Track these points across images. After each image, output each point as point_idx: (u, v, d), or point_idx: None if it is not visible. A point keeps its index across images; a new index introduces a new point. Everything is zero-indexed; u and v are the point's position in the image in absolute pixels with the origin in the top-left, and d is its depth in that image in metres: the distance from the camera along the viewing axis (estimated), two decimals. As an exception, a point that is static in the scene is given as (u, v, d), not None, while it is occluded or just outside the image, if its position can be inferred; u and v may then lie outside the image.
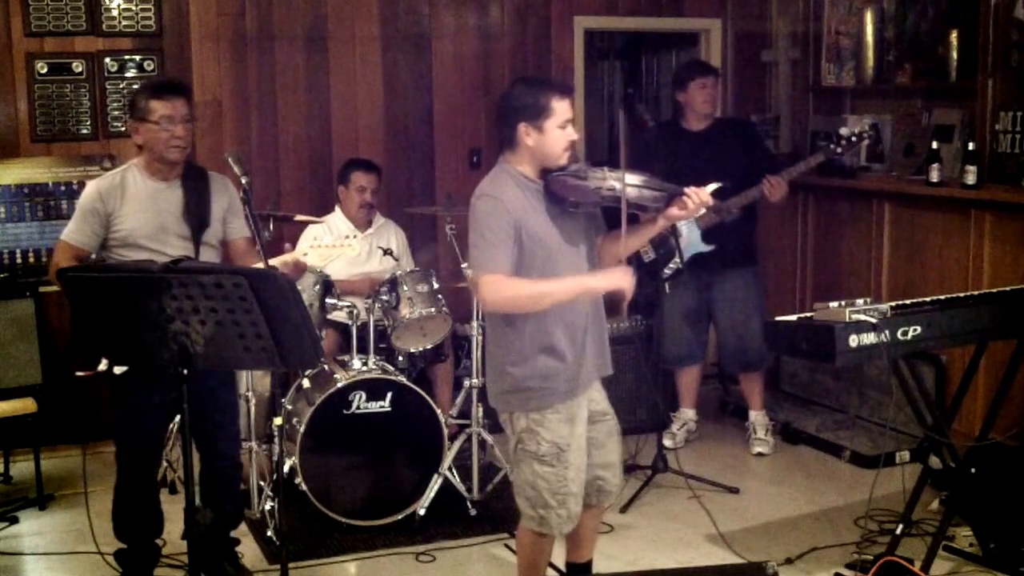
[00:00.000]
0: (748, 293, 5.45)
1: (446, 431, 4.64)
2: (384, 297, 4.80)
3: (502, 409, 3.49)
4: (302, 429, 4.44)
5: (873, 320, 3.51)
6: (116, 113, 5.59)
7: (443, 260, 6.00)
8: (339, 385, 4.50)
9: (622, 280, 3.28)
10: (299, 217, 4.96)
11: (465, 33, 6.26)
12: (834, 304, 3.62)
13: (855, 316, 3.52)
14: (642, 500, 4.87)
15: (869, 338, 3.51)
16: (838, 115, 6.21)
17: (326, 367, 4.77)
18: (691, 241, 5.19)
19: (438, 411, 4.64)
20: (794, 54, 6.52)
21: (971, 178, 5.06)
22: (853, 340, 3.50)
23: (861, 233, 5.92)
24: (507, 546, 4.36)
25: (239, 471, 4.20)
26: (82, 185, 5.52)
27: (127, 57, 5.60)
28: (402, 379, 4.63)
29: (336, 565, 4.30)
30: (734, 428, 5.82)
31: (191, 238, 3.80)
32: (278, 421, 4.17)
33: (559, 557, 3.87)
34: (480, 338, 4.69)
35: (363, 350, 4.75)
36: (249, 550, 4.32)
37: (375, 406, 4.56)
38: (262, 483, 4.56)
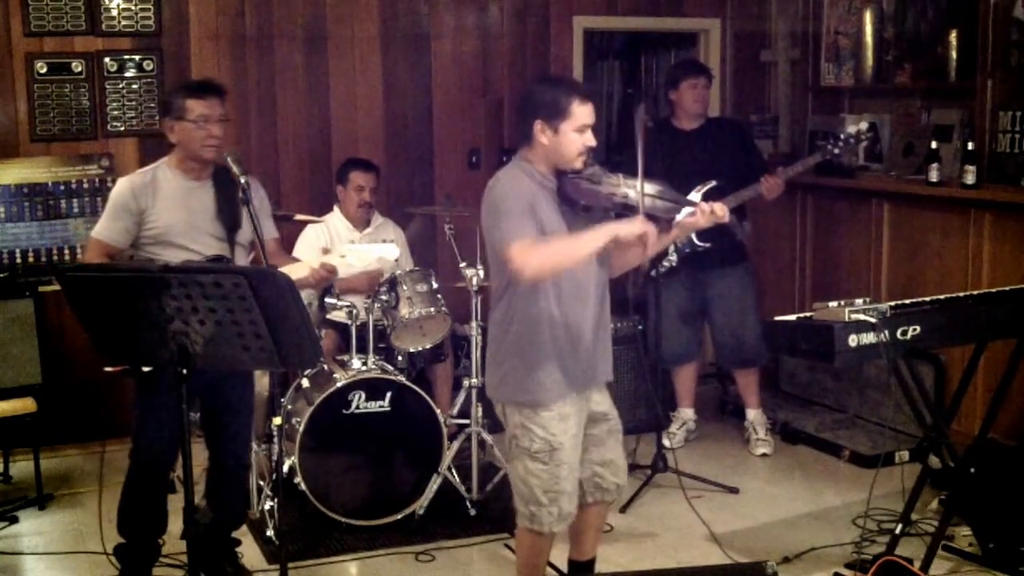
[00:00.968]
0: (741, 290, 5.47)
1: (445, 431, 4.64)
2: (383, 297, 4.80)
3: (497, 400, 3.50)
4: (301, 429, 4.44)
5: (872, 320, 3.51)
6: (115, 113, 5.59)
7: (443, 260, 6.00)
8: (338, 385, 4.50)
9: (645, 226, 3.22)
10: (298, 216, 4.96)
11: (465, 33, 6.26)
12: (833, 304, 3.62)
13: (854, 316, 3.52)
14: (642, 500, 4.87)
15: (868, 338, 3.51)
16: (837, 115, 6.21)
17: (325, 367, 4.77)
18: (685, 238, 5.18)
19: (437, 411, 4.64)
20: (793, 54, 6.53)
21: (970, 178, 5.06)
22: (852, 340, 3.50)
23: (860, 233, 5.92)
24: (507, 546, 4.36)
25: (246, 472, 4.20)
26: (81, 185, 5.53)
27: (127, 57, 5.60)
28: (401, 379, 4.63)
29: (335, 565, 4.30)
30: (733, 428, 5.82)
31: (225, 238, 3.80)
32: (277, 421, 4.17)
33: (559, 557, 3.87)
34: (479, 338, 4.69)
35: (362, 350, 4.75)
36: (249, 550, 4.32)
37: (374, 406, 4.56)
38: (261, 483, 4.56)
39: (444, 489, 4.61)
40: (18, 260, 5.45)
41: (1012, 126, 4.97)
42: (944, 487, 4.22)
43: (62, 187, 5.51)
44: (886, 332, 3.53)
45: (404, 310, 4.78)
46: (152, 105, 5.60)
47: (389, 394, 4.57)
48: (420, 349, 4.98)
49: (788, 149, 6.51)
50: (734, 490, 5.00)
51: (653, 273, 5.14)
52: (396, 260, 4.90)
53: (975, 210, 5.17)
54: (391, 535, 4.48)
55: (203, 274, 2.89)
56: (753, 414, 5.62)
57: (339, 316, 4.96)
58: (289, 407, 4.73)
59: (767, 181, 5.06)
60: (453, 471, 4.68)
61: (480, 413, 4.73)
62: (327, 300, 4.89)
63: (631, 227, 3.25)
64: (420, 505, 4.56)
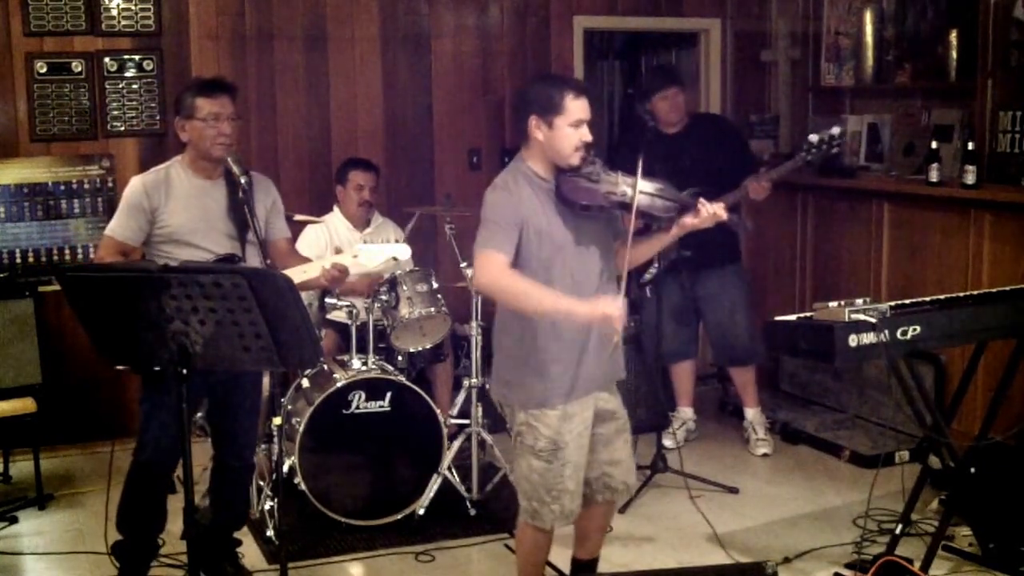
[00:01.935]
0: (732, 290, 5.48)
1: (445, 431, 4.64)
2: (383, 297, 4.80)
3: (502, 401, 3.50)
4: (301, 429, 4.44)
5: (872, 320, 3.51)
6: (115, 113, 5.59)
7: (443, 260, 6.00)
8: (338, 385, 4.50)
9: (608, 308, 3.17)
10: (298, 217, 4.96)
11: (465, 33, 6.26)
12: (833, 304, 3.62)
13: (854, 316, 3.52)
14: (642, 500, 4.87)
15: (868, 338, 3.51)
16: (838, 115, 6.21)
17: (325, 367, 4.77)
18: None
19: (437, 411, 4.64)
20: (794, 54, 6.53)
21: (970, 178, 5.05)
22: (852, 340, 3.50)
23: (860, 233, 5.91)
24: (507, 546, 4.36)
25: (250, 473, 4.20)
26: (81, 185, 5.53)
27: (126, 57, 5.60)
28: (401, 379, 4.63)
29: (335, 565, 4.30)
30: (734, 428, 5.82)
31: (237, 236, 3.80)
32: (277, 421, 4.16)
33: (558, 557, 3.87)
34: (479, 338, 4.69)
35: (362, 350, 4.75)
36: (249, 550, 4.32)
37: (374, 406, 4.56)
38: (261, 483, 4.55)
39: (444, 489, 4.61)
40: (18, 260, 5.45)
41: (1012, 126, 4.97)
42: (944, 487, 4.22)
43: (62, 187, 5.51)
44: (886, 332, 3.52)
45: (404, 310, 4.78)
46: (153, 105, 5.60)
47: (389, 394, 4.57)
48: (420, 349, 4.98)
49: (789, 149, 6.49)
50: (734, 490, 5.00)
51: (645, 279, 5.15)
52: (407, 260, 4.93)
53: (975, 210, 5.17)
54: (391, 535, 4.48)
55: (203, 274, 2.89)
56: (752, 413, 5.62)
57: (339, 316, 4.96)
58: (289, 407, 4.73)
59: (752, 184, 5.04)
60: (453, 471, 4.67)
61: (480, 413, 4.73)
62: (327, 300, 4.89)
63: (590, 310, 3.20)
64: (420, 505, 4.56)
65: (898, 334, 3.57)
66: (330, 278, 3.73)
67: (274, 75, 5.91)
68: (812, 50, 6.37)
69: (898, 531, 4.01)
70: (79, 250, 5.52)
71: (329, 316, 5.00)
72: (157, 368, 3.54)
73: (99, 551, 4.11)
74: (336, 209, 5.48)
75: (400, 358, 4.98)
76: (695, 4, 6.64)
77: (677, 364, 5.66)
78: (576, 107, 3.31)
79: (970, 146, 5.08)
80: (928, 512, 4.49)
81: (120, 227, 3.76)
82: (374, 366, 4.68)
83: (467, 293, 4.75)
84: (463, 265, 4.76)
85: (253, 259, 3.82)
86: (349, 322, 4.79)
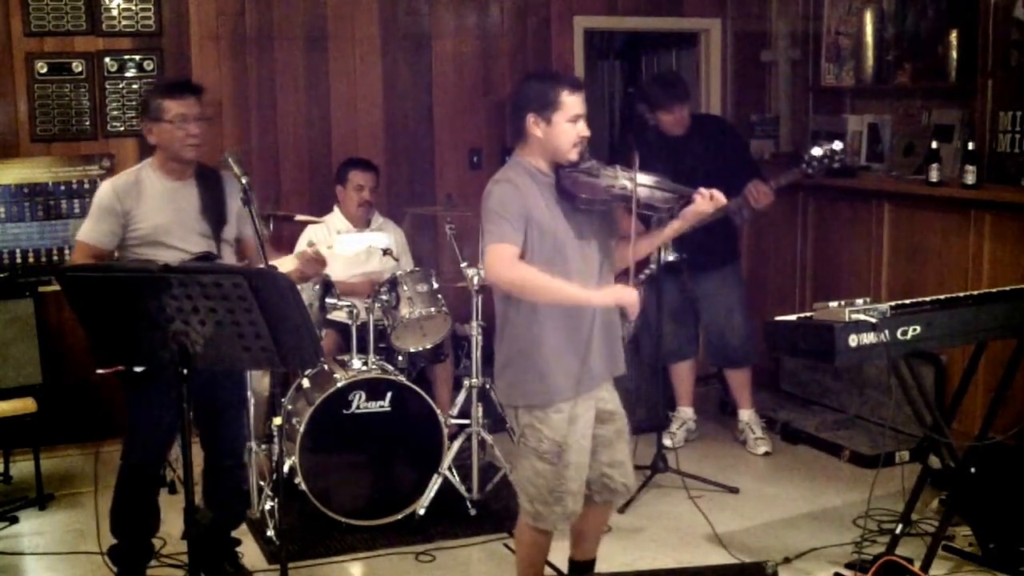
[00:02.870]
0: (728, 291, 5.48)
1: (446, 431, 4.64)
2: (384, 297, 4.81)
3: (507, 402, 3.50)
4: (302, 429, 4.44)
5: (873, 320, 3.51)
6: (116, 113, 5.59)
7: (443, 260, 6.00)
8: (339, 385, 4.50)
9: (624, 296, 3.27)
10: (299, 217, 4.97)
11: (465, 33, 6.26)
12: (834, 304, 3.62)
13: (855, 316, 3.52)
14: (642, 500, 4.87)
15: (869, 338, 3.51)
16: (838, 115, 6.21)
17: (326, 367, 4.77)
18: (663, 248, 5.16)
19: (438, 411, 4.64)
20: (794, 54, 6.53)
21: (971, 178, 5.06)
22: (853, 340, 3.50)
23: (861, 233, 5.92)
24: (507, 546, 4.36)
25: (244, 471, 4.20)
26: (82, 185, 5.53)
27: (127, 57, 5.60)
28: (402, 379, 4.63)
29: (336, 565, 4.30)
30: (734, 428, 5.82)
31: (212, 235, 3.81)
32: (278, 421, 4.17)
33: (558, 557, 3.87)
34: (480, 338, 4.69)
35: (363, 350, 4.76)
36: (249, 550, 4.32)
37: (375, 406, 4.56)
38: (262, 483, 4.55)
39: (444, 489, 4.61)
40: (18, 260, 5.45)
41: (1012, 126, 4.97)
42: (944, 487, 4.22)
43: (62, 187, 5.51)
44: (886, 332, 3.53)
45: (404, 310, 4.78)
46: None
47: (389, 394, 4.57)
48: (420, 349, 4.98)
49: (789, 149, 6.51)
50: (734, 490, 5.01)
51: (640, 278, 5.13)
52: (387, 250, 4.94)
53: (975, 210, 5.17)
54: (391, 535, 4.48)
55: (203, 274, 2.89)
56: (746, 414, 5.63)
57: (339, 316, 4.96)
58: (289, 407, 4.73)
59: (756, 189, 5.03)
60: (453, 471, 4.68)
61: (480, 413, 4.74)
62: (328, 300, 4.89)
63: (607, 297, 3.28)
64: (420, 505, 4.56)
65: (898, 334, 3.57)
66: (305, 263, 3.73)
67: (274, 75, 5.91)
68: (812, 50, 6.37)
69: (898, 531, 4.01)
70: (79, 250, 5.52)
71: (329, 316, 5.00)
72: (139, 369, 3.56)
73: (99, 551, 4.11)
74: (336, 209, 5.48)
75: (400, 358, 4.99)
76: (695, 4, 6.64)
77: (677, 364, 5.66)
78: (572, 102, 3.34)
79: (970, 146, 5.08)
80: (928, 512, 4.49)
81: (92, 232, 3.76)
82: (374, 366, 4.68)
83: (467, 293, 4.75)
84: (463, 265, 4.76)
85: (228, 257, 3.85)
86: (349, 322, 4.79)
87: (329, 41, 5.99)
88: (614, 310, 3.47)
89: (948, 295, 4.09)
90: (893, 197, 5.69)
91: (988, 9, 5.03)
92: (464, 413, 4.82)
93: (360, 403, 4.54)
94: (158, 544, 4.17)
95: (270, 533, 4.37)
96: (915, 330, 3.60)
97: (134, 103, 5.57)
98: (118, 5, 5.55)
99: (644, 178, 3.34)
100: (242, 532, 4.34)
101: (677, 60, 7.42)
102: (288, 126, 5.97)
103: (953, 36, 5.37)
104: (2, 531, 4.64)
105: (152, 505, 3.98)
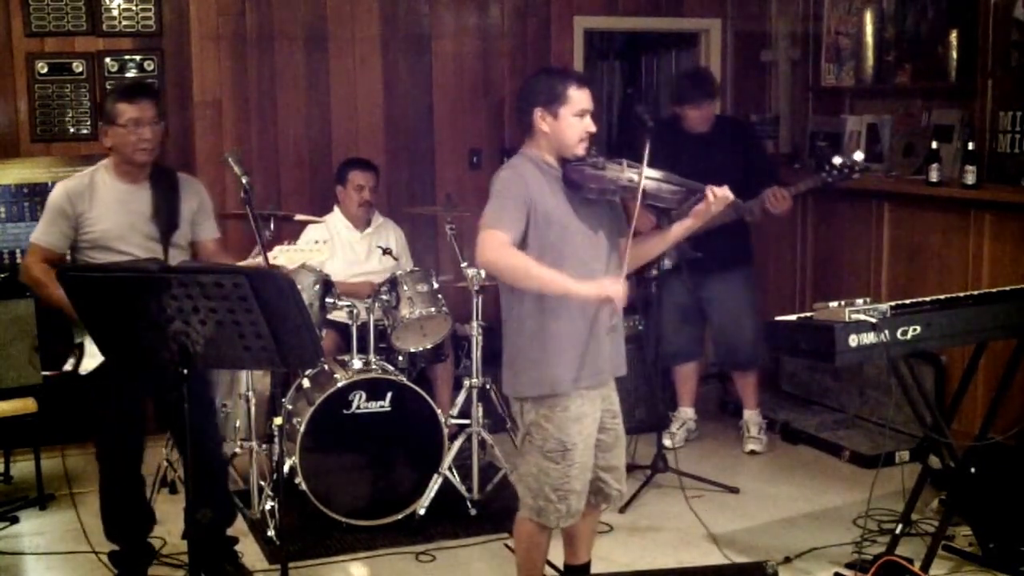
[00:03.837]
0: (740, 294, 5.46)
1: (446, 431, 4.64)
2: (384, 297, 4.81)
3: (514, 394, 3.49)
4: (302, 429, 4.44)
5: (873, 320, 3.51)
6: (116, 113, 5.59)
7: (443, 260, 6.00)
8: (339, 385, 4.50)
9: (610, 290, 3.22)
10: (299, 217, 4.97)
11: (465, 33, 6.26)
12: (834, 304, 3.62)
13: (855, 316, 3.52)
14: (642, 500, 4.87)
15: (869, 338, 3.51)
16: (838, 115, 6.21)
17: (326, 367, 4.77)
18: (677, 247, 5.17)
19: (438, 411, 4.64)
20: (794, 54, 6.53)
21: (970, 178, 5.06)
22: (853, 340, 3.50)
23: (861, 233, 5.92)
24: (507, 546, 4.36)
25: (225, 467, 4.19)
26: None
27: (127, 57, 5.60)
28: (402, 379, 4.63)
29: (336, 565, 4.30)
30: (733, 428, 5.82)
31: (160, 239, 3.81)
32: (278, 421, 4.17)
33: (558, 556, 3.87)
34: (480, 338, 4.69)
35: (363, 350, 4.76)
36: (249, 550, 4.32)
37: (375, 406, 4.56)
38: (262, 483, 4.56)
39: (444, 489, 4.61)
40: (18, 260, 5.44)
41: (1012, 126, 4.97)
42: (944, 487, 4.22)
43: (63, 187, 5.50)
44: (886, 332, 3.53)
45: (405, 310, 4.78)
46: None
47: (390, 394, 4.57)
48: (421, 349, 4.98)
49: (789, 149, 6.51)
50: (734, 490, 5.01)
51: (654, 272, 5.14)
52: (387, 250, 4.99)
53: (975, 210, 5.17)
54: (392, 535, 4.49)
55: (204, 274, 2.89)
56: (748, 414, 5.64)
57: (340, 316, 4.96)
58: (290, 407, 4.74)
59: (774, 194, 5.03)
60: (453, 471, 4.68)
61: (481, 413, 4.74)
62: (327, 300, 4.89)
63: (591, 290, 3.24)
64: (421, 505, 4.56)
65: (898, 334, 3.57)
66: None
67: (275, 75, 5.91)
68: (812, 50, 6.37)
69: (898, 531, 4.01)
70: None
71: (330, 316, 5.00)
72: (85, 372, 3.56)
73: (100, 551, 4.11)
74: (336, 209, 5.48)
75: (401, 358, 4.99)
76: (695, 4, 6.64)
77: (682, 365, 5.66)
78: (580, 97, 3.36)
79: (970, 146, 5.08)
80: (928, 512, 4.50)
81: (45, 235, 3.77)
82: (375, 366, 4.69)
83: (467, 293, 4.75)
84: (463, 265, 4.76)
85: (177, 262, 3.81)
86: (350, 322, 4.79)
87: (329, 41, 5.99)
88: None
89: (948, 295, 4.10)
90: (893, 197, 5.69)
91: (988, 9, 5.03)
92: (464, 413, 4.82)
93: (360, 403, 4.54)
94: (158, 544, 4.18)
95: (270, 533, 4.37)
96: (915, 330, 3.60)
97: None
98: (118, 5, 5.56)
99: (652, 172, 3.35)
100: (242, 532, 4.35)
101: (677, 60, 7.42)
102: (288, 126, 5.97)
103: (953, 36, 5.37)
104: (2, 531, 4.64)
105: (141, 505, 3.98)
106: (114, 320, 3.05)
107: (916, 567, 3.85)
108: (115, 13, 5.56)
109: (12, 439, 5.09)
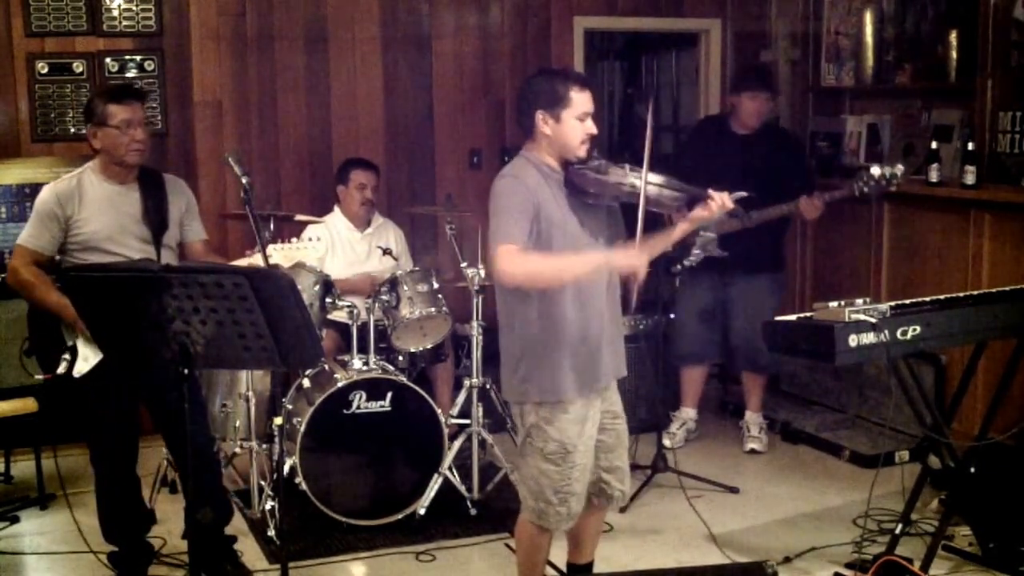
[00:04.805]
0: (764, 297, 5.41)
1: (446, 431, 4.64)
2: (384, 297, 4.81)
3: (516, 399, 3.49)
4: (302, 429, 4.44)
5: (872, 320, 3.51)
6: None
7: (443, 260, 6.00)
8: (339, 385, 4.50)
9: (638, 260, 3.22)
10: (299, 217, 4.97)
11: (465, 33, 6.27)
12: (833, 304, 3.62)
13: (854, 316, 3.52)
14: (642, 500, 4.87)
15: (868, 338, 3.51)
16: (838, 116, 6.22)
17: (326, 367, 4.77)
18: (706, 242, 5.14)
19: (438, 411, 4.64)
20: (793, 54, 6.53)
21: (970, 178, 5.06)
22: (852, 340, 3.50)
23: (861, 233, 5.92)
24: (507, 545, 4.36)
25: (217, 465, 4.19)
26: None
27: (127, 57, 5.60)
28: (402, 379, 4.63)
29: (336, 565, 4.30)
30: (734, 428, 5.82)
31: (151, 240, 3.82)
32: (278, 421, 4.17)
33: (558, 556, 3.87)
34: (480, 338, 4.70)
35: (363, 350, 4.76)
36: (249, 550, 4.32)
37: (375, 406, 4.56)
38: (262, 483, 4.56)
39: (445, 489, 4.61)
40: (19, 260, 5.44)
41: (1012, 126, 4.97)
42: (944, 487, 4.22)
43: (63, 187, 5.50)
44: (886, 332, 3.53)
45: (405, 310, 4.78)
46: (154, 106, 5.60)
47: (390, 394, 4.57)
48: (421, 349, 4.99)
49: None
50: (734, 490, 5.01)
51: (677, 268, 5.11)
52: (387, 250, 5.02)
53: (975, 210, 5.17)
54: (392, 535, 4.49)
55: (205, 274, 2.90)
56: (750, 415, 5.64)
57: (340, 316, 4.97)
58: (290, 407, 4.74)
59: (804, 204, 5.05)
60: (454, 471, 4.68)
61: (481, 413, 4.74)
62: (328, 300, 4.89)
63: (626, 258, 3.25)
64: (421, 505, 4.56)
65: (898, 334, 3.57)
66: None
67: (275, 75, 5.91)
68: (812, 50, 6.37)
69: (898, 531, 4.01)
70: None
71: (330, 316, 5.01)
72: (78, 374, 3.57)
73: (100, 550, 4.11)
74: (337, 209, 5.49)
75: (401, 358, 4.99)
76: (695, 4, 6.64)
77: (693, 367, 5.65)
78: (581, 100, 3.35)
79: (970, 146, 5.08)
80: (928, 512, 4.50)
81: (33, 237, 3.78)
82: (375, 366, 4.69)
83: (467, 293, 4.76)
84: (463, 265, 4.76)
85: (168, 262, 3.81)
86: (350, 322, 4.79)
87: (329, 41, 6.00)
88: (617, 309, 3.48)
89: (948, 295, 4.10)
90: (893, 197, 5.69)
91: (988, 9, 5.03)
92: (464, 413, 4.83)
93: (360, 403, 4.54)
94: (158, 544, 4.18)
95: (271, 533, 4.38)
96: (915, 330, 3.60)
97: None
98: (119, 5, 5.56)
99: (653, 177, 3.34)
100: (243, 532, 4.35)
101: (677, 60, 7.43)
102: (288, 126, 5.98)
103: (953, 36, 5.37)
104: (3, 531, 4.65)
105: (137, 505, 3.98)
106: (115, 320, 3.05)
107: (916, 567, 3.85)
108: (115, 13, 5.56)
109: (12, 439, 5.09)
